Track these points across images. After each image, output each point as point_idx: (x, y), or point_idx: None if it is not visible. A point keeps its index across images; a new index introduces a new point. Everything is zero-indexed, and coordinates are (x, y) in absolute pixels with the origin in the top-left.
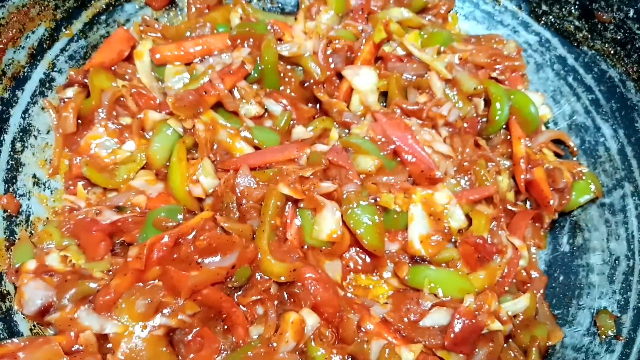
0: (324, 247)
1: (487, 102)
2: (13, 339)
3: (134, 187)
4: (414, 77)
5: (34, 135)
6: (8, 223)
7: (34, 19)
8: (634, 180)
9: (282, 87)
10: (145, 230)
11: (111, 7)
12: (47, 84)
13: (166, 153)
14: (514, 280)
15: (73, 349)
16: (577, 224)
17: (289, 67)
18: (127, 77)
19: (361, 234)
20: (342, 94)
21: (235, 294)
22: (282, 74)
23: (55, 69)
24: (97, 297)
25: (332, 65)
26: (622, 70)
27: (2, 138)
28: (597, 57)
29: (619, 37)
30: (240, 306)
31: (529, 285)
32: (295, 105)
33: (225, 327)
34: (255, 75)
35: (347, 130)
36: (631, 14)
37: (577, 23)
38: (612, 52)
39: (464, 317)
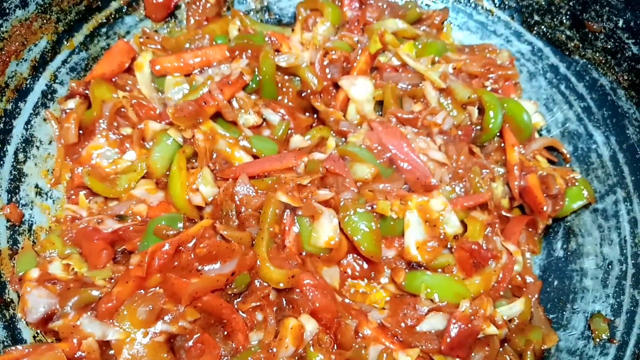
0: (322, 254)
1: (481, 111)
2: (17, 346)
3: (134, 196)
4: (409, 87)
5: (36, 145)
6: (11, 232)
7: (36, 32)
8: (626, 186)
9: (279, 97)
10: (146, 239)
11: (112, 20)
12: (49, 96)
13: (166, 162)
14: (509, 285)
15: (76, 356)
16: (571, 230)
17: (286, 77)
18: (127, 88)
19: (358, 240)
20: (338, 103)
21: (235, 301)
22: (279, 85)
23: (56, 81)
24: (100, 305)
25: (328, 76)
26: (613, 79)
27: (5, 149)
28: (589, 66)
29: (609, 47)
30: (240, 312)
31: (524, 289)
32: (292, 114)
33: (225, 333)
34: (254, 85)
35: (343, 139)
36: (620, 23)
37: (568, 33)
38: (602, 60)
39: (460, 321)
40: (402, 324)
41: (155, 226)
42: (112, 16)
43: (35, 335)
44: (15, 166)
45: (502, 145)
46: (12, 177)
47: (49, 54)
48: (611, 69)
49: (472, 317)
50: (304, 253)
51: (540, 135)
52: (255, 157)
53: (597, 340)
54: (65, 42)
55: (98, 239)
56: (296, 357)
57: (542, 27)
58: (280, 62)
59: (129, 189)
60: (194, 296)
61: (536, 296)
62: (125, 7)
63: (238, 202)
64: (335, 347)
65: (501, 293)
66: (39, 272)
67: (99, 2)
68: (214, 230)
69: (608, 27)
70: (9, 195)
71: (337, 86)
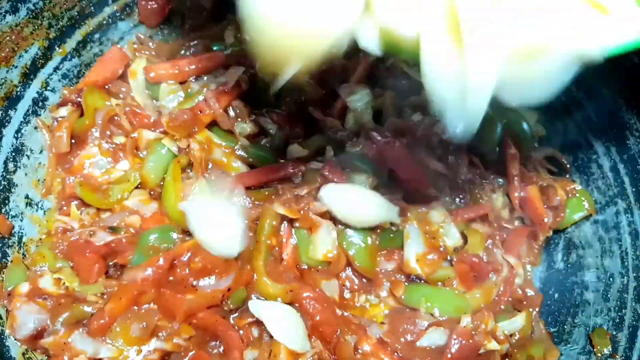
0: (320, 267)
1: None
2: None
3: (128, 207)
4: (408, 96)
5: (26, 155)
6: (0, 245)
7: (27, 38)
8: (627, 197)
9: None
10: (138, 252)
11: (105, 26)
12: (40, 103)
13: (160, 172)
14: (510, 299)
15: None
16: (571, 241)
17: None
18: (121, 95)
19: (352, 255)
20: (336, 112)
21: (231, 316)
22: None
23: (48, 88)
24: (92, 321)
25: (326, 84)
26: (614, 88)
27: None
28: (589, 75)
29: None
30: (236, 328)
31: (524, 303)
32: (289, 123)
33: (222, 349)
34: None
35: (341, 149)
36: None
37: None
38: (603, 70)
39: (461, 337)
40: (402, 339)
41: (147, 240)
42: (106, 22)
43: (25, 352)
44: (5, 176)
45: (502, 155)
46: (1, 187)
47: (41, 61)
48: (612, 79)
49: (473, 332)
50: (305, 266)
51: (540, 145)
52: (251, 166)
53: (599, 355)
54: (57, 49)
55: (90, 252)
56: None
57: None
58: None
59: (122, 199)
60: (189, 312)
61: (537, 310)
62: (119, 12)
63: None
64: None
65: (502, 307)
66: (29, 287)
67: (92, 8)
68: None
69: None
70: None
71: (335, 94)
